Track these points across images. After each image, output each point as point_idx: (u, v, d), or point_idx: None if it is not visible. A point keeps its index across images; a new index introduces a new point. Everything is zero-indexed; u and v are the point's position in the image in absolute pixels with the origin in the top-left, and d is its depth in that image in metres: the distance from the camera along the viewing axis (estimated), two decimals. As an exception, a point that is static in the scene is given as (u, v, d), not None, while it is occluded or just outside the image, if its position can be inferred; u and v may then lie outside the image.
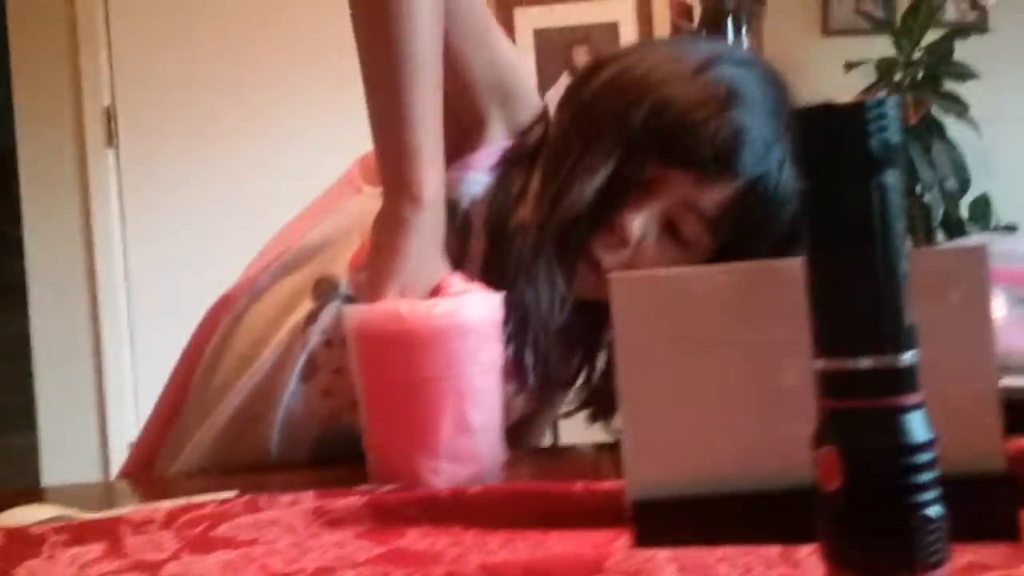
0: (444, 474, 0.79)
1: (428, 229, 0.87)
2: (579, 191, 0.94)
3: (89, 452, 3.01)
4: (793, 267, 0.59)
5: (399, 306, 0.82)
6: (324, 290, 1.00)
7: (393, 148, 0.88)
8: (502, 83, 1.02)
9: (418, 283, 0.86)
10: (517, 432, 1.06)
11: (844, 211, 0.45)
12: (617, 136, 0.95)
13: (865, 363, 0.45)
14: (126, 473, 1.13)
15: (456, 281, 0.88)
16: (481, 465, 0.81)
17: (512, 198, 1.00)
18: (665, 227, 0.96)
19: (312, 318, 1.00)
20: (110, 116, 3.10)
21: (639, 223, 0.95)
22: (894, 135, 0.44)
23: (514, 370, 1.00)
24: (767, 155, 0.94)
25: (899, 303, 0.45)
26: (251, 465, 1.02)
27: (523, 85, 1.05)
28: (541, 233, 0.96)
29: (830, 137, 0.45)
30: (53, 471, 2.99)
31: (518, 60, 1.07)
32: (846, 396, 0.45)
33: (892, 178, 0.44)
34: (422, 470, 0.79)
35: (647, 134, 0.94)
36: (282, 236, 1.09)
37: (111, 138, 3.15)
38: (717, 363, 0.58)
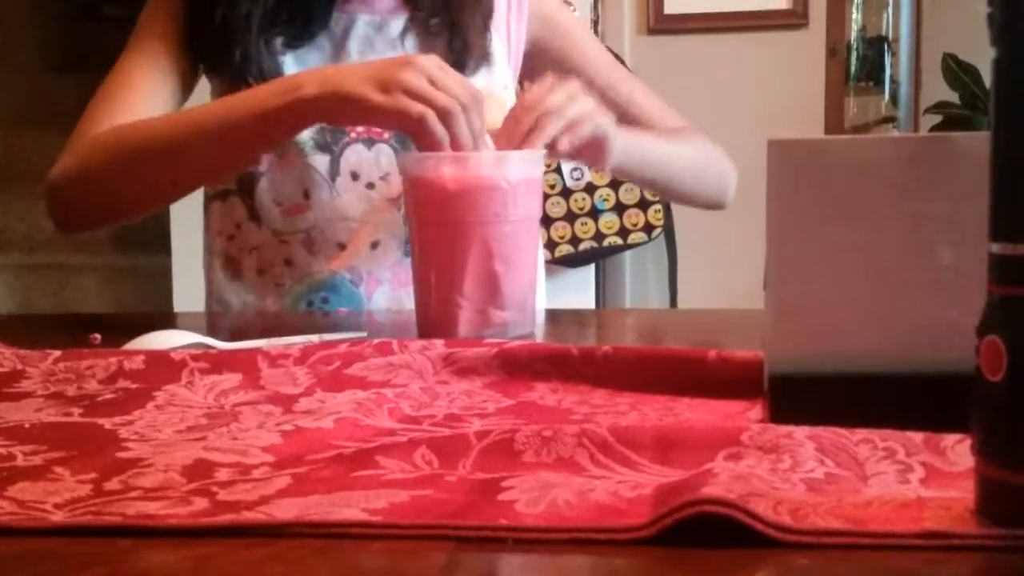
0: (469, 317, 0.85)
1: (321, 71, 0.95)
2: None
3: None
4: (969, 141, 0.55)
5: (442, 159, 0.86)
6: None
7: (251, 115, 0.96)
8: None
9: (369, 68, 0.92)
10: None
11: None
12: None
13: (1048, 249, 0.41)
14: None
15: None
16: (505, 318, 0.85)
17: None
18: None
19: None
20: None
21: None
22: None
23: None
24: None
25: (1092, 187, 0.41)
26: None
27: None
28: None
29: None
30: (183, 295, 3.09)
31: None
32: (1021, 283, 0.42)
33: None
34: (450, 310, 0.85)
35: None
36: None
37: None
38: (874, 236, 0.55)
